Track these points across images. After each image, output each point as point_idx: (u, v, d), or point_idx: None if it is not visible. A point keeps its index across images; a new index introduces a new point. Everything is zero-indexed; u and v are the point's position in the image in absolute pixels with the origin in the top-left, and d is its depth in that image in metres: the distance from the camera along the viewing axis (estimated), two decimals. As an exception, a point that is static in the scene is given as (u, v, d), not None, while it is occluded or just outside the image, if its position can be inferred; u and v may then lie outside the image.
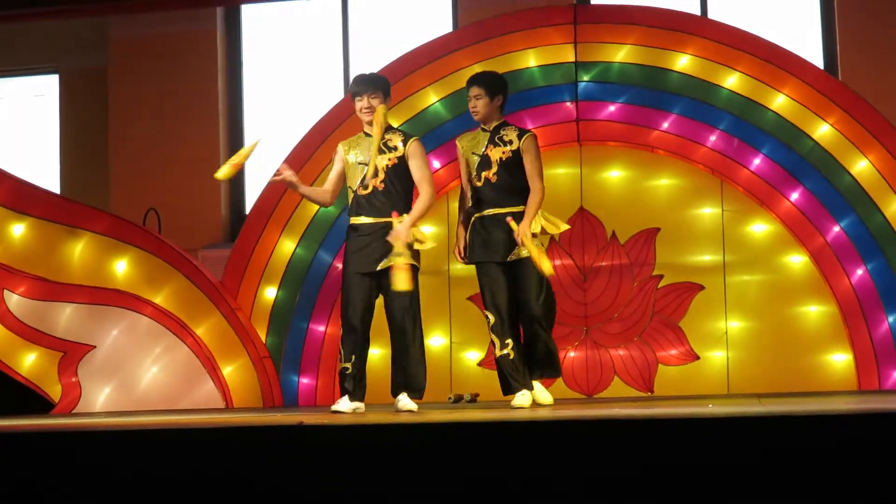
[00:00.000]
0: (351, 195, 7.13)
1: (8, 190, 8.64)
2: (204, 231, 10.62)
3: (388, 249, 6.90)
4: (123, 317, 8.56)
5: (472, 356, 8.68)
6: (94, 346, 8.56)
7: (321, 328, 8.58)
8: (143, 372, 8.57)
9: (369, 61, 10.38)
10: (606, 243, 8.54)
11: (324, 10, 11.21)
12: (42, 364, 8.53)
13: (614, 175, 8.70)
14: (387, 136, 7.08)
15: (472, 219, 7.24)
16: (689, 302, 8.54)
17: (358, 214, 7.07)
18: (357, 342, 7.05)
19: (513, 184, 7.12)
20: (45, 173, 11.46)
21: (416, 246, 7.00)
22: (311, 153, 8.71)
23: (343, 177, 7.19)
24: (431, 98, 8.74)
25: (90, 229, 8.63)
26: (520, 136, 7.17)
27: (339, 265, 8.55)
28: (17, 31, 11.35)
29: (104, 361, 8.55)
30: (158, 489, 4.80)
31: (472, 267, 8.21)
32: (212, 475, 4.80)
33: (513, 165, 7.13)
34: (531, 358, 7.16)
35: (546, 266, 6.85)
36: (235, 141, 10.99)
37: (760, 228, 8.54)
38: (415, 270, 7.01)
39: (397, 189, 7.05)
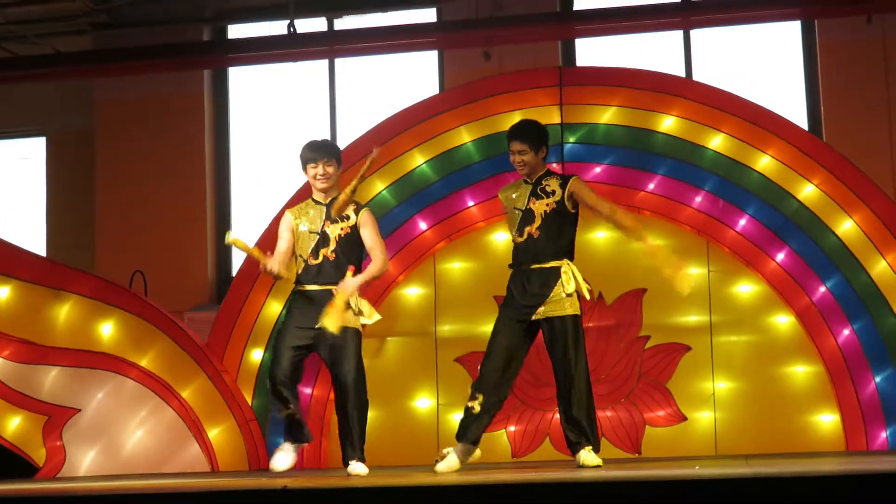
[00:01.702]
0: (301, 264, 7.13)
1: (-7, 252, 8.65)
2: (190, 293, 10.62)
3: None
4: (109, 379, 8.49)
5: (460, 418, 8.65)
6: (80, 410, 8.47)
7: (307, 390, 8.52)
8: (128, 435, 8.49)
9: (356, 122, 10.45)
10: (593, 304, 8.54)
11: (311, 72, 11.27)
12: (26, 427, 8.44)
13: (600, 236, 8.71)
14: (334, 209, 7.09)
15: (511, 272, 7.19)
16: (677, 363, 8.53)
17: (306, 283, 7.09)
18: (289, 393, 7.05)
19: (555, 237, 7.04)
20: (32, 235, 11.47)
21: (362, 320, 7.05)
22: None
23: (293, 247, 7.18)
24: (418, 160, 8.76)
25: (76, 292, 8.60)
26: (563, 185, 7.09)
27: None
28: (2, 94, 11.39)
29: (89, 425, 8.47)
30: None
31: (460, 326, 8.27)
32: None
33: (557, 218, 7.04)
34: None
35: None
36: (222, 202, 11.02)
37: (747, 289, 8.54)
38: (358, 336, 7.07)
39: (349, 258, 7.08)
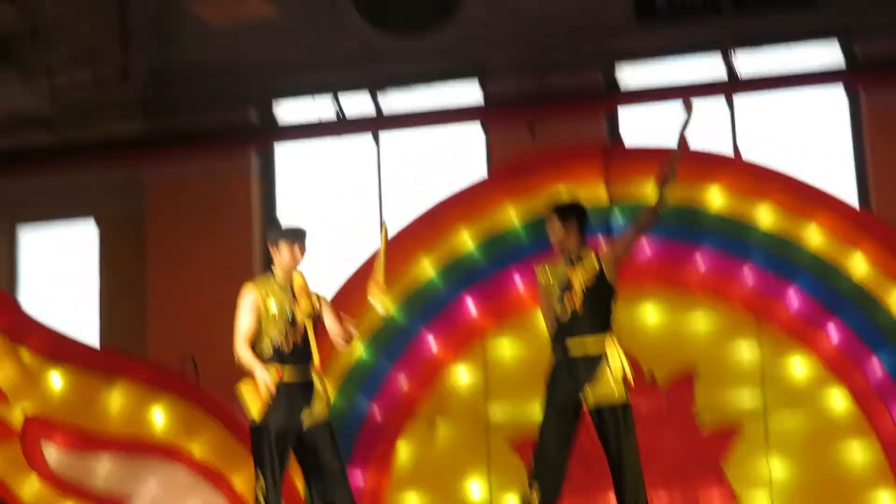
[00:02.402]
0: (269, 349, 6.79)
1: (44, 339, 8.61)
2: (241, 377, 10.58)
3: (310, 404, 6.75)
4: (160, 468, 8.47)
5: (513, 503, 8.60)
6: (131, 498, 8.46)
7: (358, 476, 8.49)
8: (179, 524, 8.52)
9: (402, 196, 10.49)
10: (644, 386, 8.46)
11: (357, 149, 11.30)
12: (78, 517, 8.49)
13: (650, 315, 8.70)
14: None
15: (556, 357, 7.09)
16: (730, 444, 8.46)
17: (276, 363, 6.78)
18: (279, 492, 6.92)
19: (598, 313, 6.91)
20: (84, 319, 11.51)
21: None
22: (347, 296, 8.66)
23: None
24: (466, 239, 8.74)
25: (128, 378, 8.57)
26: (598, 257, 6.97)
27: (378, 410, 8.56)
28: (54, 180, 11.47)
29: (141, 513, 8.52)
30: None
31: (511, 408, 8.21)
32: None
33: (598, 292, 6.92)
34: None
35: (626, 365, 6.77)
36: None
37: (799, 367, 8.49)
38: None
39: (310, 342, 6.83)
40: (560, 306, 7.05)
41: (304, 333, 6.90)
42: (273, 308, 6.82)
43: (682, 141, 6.97)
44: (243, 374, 7.19)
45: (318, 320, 6.95)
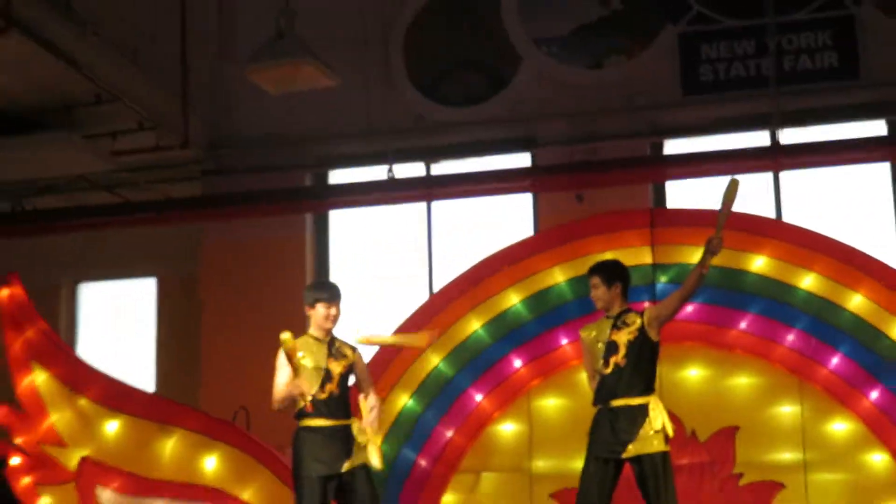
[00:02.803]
0: (307, 399, 7.08)
1: (102, 388, 8.78)
2: (290, 429, 10.67)
3: (349, 450, 7.01)
4: (211, 513, 8.58)
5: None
6: (183, 541, 8.57)
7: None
8: (228, 570, 8.56)
9: (451, 263, 10.57)
10: (687, 441, 8.49)
11: (409, 214, 11.46)
12: (133, 560, 8.56)
13: (693, 374, 8.70)
14: (337, 344, 7.19)
15: (597, 411, 7.19)
16: (771, 501, 8.42)
17: (314, 417, 7.10)
18: None
19: (641, 369, 7.04)
20: (141, 372, 11.66)
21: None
22: (394, 353, 8.79)
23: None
24: (513, 299, 8.81)
25: (182, 426, 8.68)
26: (641, 315, 7.13)
27: (423, 462, 8.61)
28: (116, 238, 11.69)
29: (191, 558, 8.56)
30: None
31: (554, 462, 8.23)
32: None
33: (641, 348, 7.06)
34: None
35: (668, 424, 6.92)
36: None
37: (841, 427, 8.45)
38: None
39: (347, 392, 7.21)
40: (603, 363, 7.16)
41: (340, 385, 7.13)
42: (308, 363, 7.07)
43: (727, 211, 7.11)
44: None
45: (351, 373, 7.19)
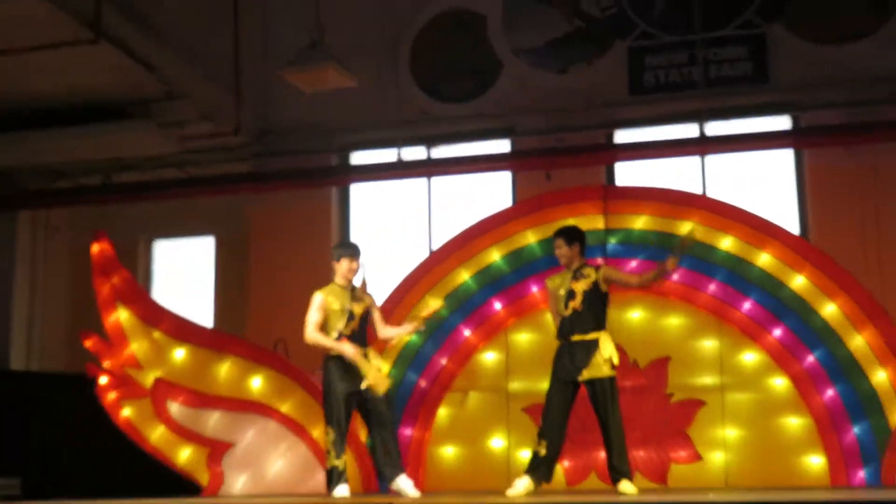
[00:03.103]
0: (334, 334, 7.23)
1: (171, 323, 8.80)
2: (320, 356, 10.67)
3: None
4: (257, 421, 8.58)
5: (525, 454, 8.60)
6: (234, 444, 8.57)
7: (408, 431, 8.57)
8: (271, 465, 8.56)
9: (447, 226, 10.56)
10: (629, 368, 8.52)
11: (413, 188, 11.46)
12: (194, 457, 8.55)
13: (635, 315, 8.71)
14: (357, 292, 7.25)
15: (560, 344, 7.22)
16: (695, 414, 8.45)
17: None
18: (344, 443, 7.09)
19: (594, 312, 7.08)
20: (202, 312, 11.68)
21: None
22: (401, 297, 8.82)
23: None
24: (494, 255, 8.83)
25: (234, 353, 8.72)
26: (596, 270, 7.16)
27: (423, 383, 8.64)
28: (183, 205, 11.69)
29: (241, 456, 8.56)
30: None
31: (526, 383, 8.24)
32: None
33: (594, 296, 7.08)
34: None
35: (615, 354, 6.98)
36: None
37: (750, 357, 8.48)
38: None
39: (365, 328, 7.37)
40: (563, 307, 7.19)
41: (360, 323, 7.17)
42: (335, 305, 7.11)
43: (684, 245, 7.17)
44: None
45: (368, 314, 7.23)
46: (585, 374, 7.01)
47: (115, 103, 10.75)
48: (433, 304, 7.76)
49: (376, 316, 7.41)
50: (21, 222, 11.78)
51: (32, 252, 11.91)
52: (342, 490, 7.01)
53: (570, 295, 7.17)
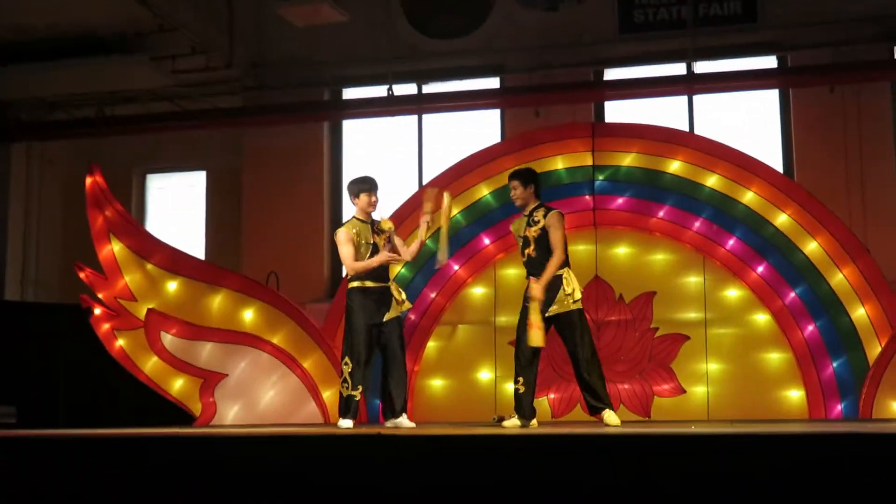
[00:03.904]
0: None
1: (164, 256, 8.72)
2: (311, 289, 10.67)
3: (389, 305, 7.03)
4: (249, 353, 8.56)
5: (512, 387, 8.60)
6: (227, 375, 8.56)
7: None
8: (262, 395, 8.56)
9: (437, 162, 10.46)
10: (615, 303, 8.49)
11: (403, 124, 11.30)
12: (188, 387, 8.54)
13: (622, 251, 8.68)
14: (377, 225, 7.12)
15: (527, 285, 7.10)
16: (679, 349, 8.47)
17: (365, 280, 7.05)
18: (363, 375, 7.01)
19: (544, 258, 6.89)
20: (194, 245, 11.58)
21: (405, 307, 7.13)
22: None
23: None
24: (483, 191, 8.77)
25: (226, 286, 8.67)
26: (545, 214, 6.92)
27: (412, 316, 8.59)
28: (174, 139, 11.55)
29: (234, 386, 8.55)
30: (271, 482, 4.81)
31: (513, 317, 8.15)
32: (311, 472, 4.80)
33: (543, 241, 6.89)
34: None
35: (535, 337, 6.70)
36: (336, 222, 11.07)
37: (734, 293, 8.47)
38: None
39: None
40: (521, 251, 7.05)
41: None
42: (358, 239, 7.00)
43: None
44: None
45: (391, 244, 7.11)
46: (552, 310, 6.88)
47: (109, 36, 10.59)
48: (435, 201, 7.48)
49: (398, 242, 7.27)
50: (15, 154, 11.62)
51: (27, 184, 11.77)
52: (346, 423, 6.94)
53: (525, 242, 7.01)
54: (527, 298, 6.93)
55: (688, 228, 8.49)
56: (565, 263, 6.93)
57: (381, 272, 7.10)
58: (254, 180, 11.36)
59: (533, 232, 6.92)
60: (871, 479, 4.14)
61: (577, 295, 6.84)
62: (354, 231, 7.10)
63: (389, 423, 6.96)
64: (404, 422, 6.89)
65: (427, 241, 8.49)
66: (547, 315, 6.86)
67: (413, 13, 11.13)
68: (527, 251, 6.94)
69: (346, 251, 7.09)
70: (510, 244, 8.70)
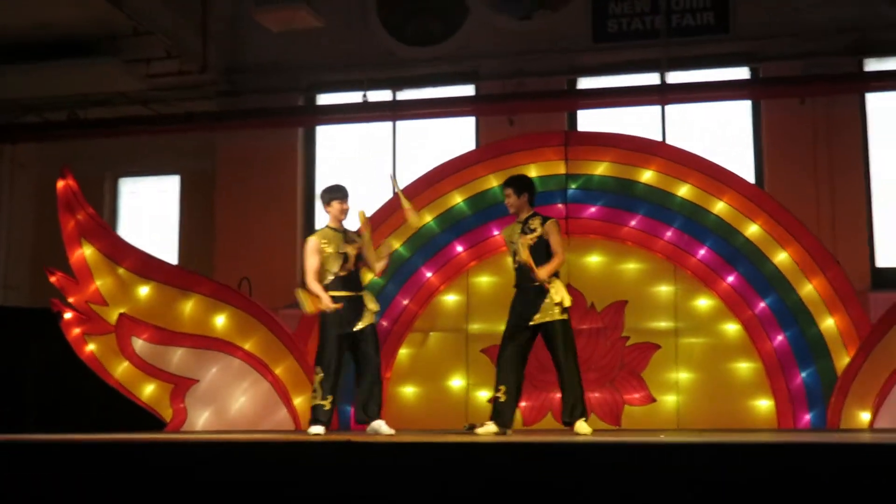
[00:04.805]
0: (330, 276, 7.06)
1: (136, 260, 8.66)
2: (283, 295, 10.59)
3: (360, 314, 7.01)
4: (220, 358, 8.51)
5: (484, 395, 8.61)
6: (198, 381, 8.51)
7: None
8: (233, 401, 8.51)
9: (411, 170, 10.43)
10: (587, 311, 8.51)
11: (378, 131, 11.29)
12: (158, 393, 8.48)
13: (594, 260, 8.68)
14: (349, 234, 7.12)
15: (516, 290, 7.09)
16: (650, 357, 8.48)
17: (336, 289, 7.03)
18: (333, 384, 7.00)
19: (541, 262, 6.83)
20: (167, 249, 11.51)
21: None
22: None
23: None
24: (457, 198, 8.76)
25: (198, 292, 8.61)
26: (542, 223, 6.96)
27: (385, 323, 8.57)
28: (147, 143, 11.49)
29: (204, 392, 8.50)
30: (242, 488, 4.79)
31: (485, 325, 8.14)
32: (282, 479, 4.78)
33: (539, 249, 6.90)
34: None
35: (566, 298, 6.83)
36: (309, 227, 11.04)
37: (704, 303, 8.49)
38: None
39: (359, 269, 7.19)
40: (513, 260, 7.04)
41: (354, 264, 7.05)
42: (330, 249, 6.98)
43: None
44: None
45: (362, 255, 7.10)
46: (537, 319, 6.88)
47: (82, 39, 10.51)
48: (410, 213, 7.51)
49: (370, 254, 7.25)
50: (-14, 157, 11.53)
51: (-2, 186, 11.69)
52: (317, 429, 6.92)
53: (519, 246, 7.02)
54: (514, 305, 6.96)
55: (659, 238, 8.52)
56: (555, 274, 6.95)
57: (353, 281, 7.09)
58: (227, 185, 11.31)
59: (528, 240, 6.91)
60: (839, 489, 4.16)
61: (566, 304, 6.85)
62: (325, 241, 7.07)
63: (369, 430, 6.95)
64: (383, 427, 6.88)
65: (399, 248, 8.55)
66: (531, 324, 6.88)
67: (388, 19, 11.14)
68: (518, 259, 6.94)
69: (310, 262, 7.10)
70: (483, 252, 8.72)
